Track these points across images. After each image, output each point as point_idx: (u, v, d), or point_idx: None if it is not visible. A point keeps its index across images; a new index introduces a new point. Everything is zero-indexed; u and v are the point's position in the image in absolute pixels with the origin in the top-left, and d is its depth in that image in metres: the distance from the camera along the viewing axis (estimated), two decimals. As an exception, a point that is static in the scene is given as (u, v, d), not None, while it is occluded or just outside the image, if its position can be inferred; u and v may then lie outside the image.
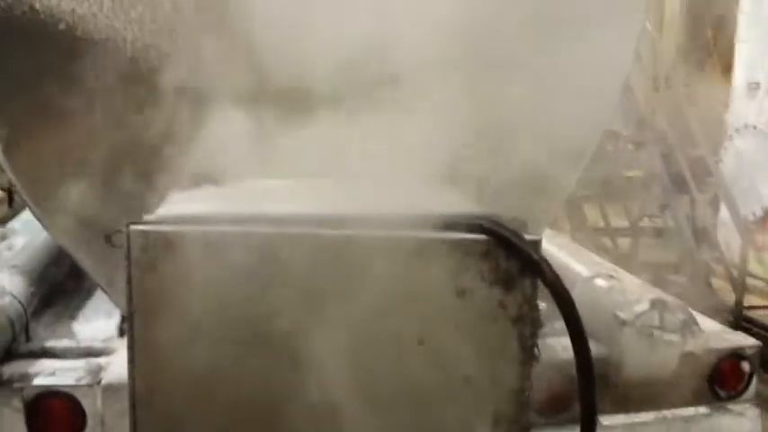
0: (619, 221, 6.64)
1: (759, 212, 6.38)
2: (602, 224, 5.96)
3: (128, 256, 1.40)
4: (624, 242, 6.64)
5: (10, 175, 1.92)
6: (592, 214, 6.30)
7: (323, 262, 1.45)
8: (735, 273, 5.81)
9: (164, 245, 1.42)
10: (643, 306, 1.90)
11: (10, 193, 9.03)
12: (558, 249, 2.45)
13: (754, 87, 6.73)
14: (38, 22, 1.74)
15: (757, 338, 5.28)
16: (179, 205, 1.56)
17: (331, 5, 1.81)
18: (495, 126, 1.99)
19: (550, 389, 1.86)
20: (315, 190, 1.68)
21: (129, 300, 1.43)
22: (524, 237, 1.44)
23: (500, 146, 2.00)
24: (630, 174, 6.87)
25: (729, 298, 5.78)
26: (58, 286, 2.22)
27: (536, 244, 1.46)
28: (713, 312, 5.05)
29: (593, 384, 1.46)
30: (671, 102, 7.25)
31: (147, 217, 1.45)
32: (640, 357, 1.87)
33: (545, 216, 2.15)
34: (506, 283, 1.46)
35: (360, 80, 1.82)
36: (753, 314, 5.74)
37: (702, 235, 6.30)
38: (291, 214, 1.47)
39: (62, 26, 1.75)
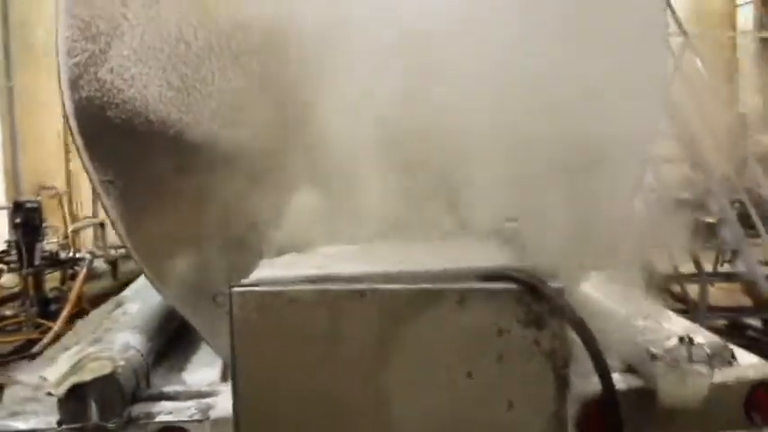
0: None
1: (837, 252, 6.29)
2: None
3: (230, 313, 1.77)
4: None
5: (131, 250, 2.35)
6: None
7: (384, 313, 1.77)
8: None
9: (257, 303, 1.78)
10: (672, 342, 2.12)
11: (114, 266, 9.84)
12: (605, 293, 2.71)
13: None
14: (153, 129, 2.20)
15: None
16: (268, 270, 1.92)
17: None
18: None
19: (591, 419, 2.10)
20: (376, 253, 2.02)
21: (233, 348, 1.79)
22: (550, 284, 1.73)
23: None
24: (708, 220, 6.93)
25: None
26: (170, 342, 2.62)
27: (560, 290, 1.74)
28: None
29: (616, 401, 1.72)
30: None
31: (244, 281, 1.82)
32: (671, 388, 2.08)
33: (590, 260, 2.41)
34: (538, 323, 1.74)
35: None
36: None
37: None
38: (357, 273, 1.81)
39: (172, 132, 2.20)
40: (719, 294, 6.84)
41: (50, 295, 8.98)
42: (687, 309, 5.64)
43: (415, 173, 2.23)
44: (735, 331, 6.21)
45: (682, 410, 2.11)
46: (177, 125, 2.19)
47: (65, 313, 7.50)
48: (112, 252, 9.94)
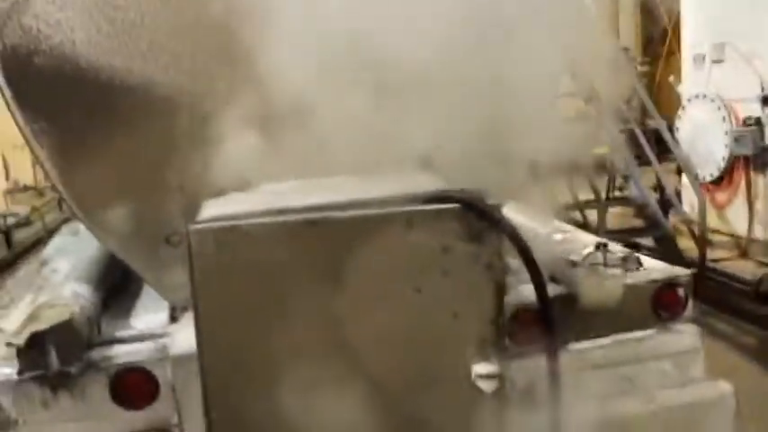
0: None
1: (716, 173, 6.88)
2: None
3: (189, 251, 1.83)
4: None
5: (67, 199, 2.34)
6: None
7: (336, 240, 1.88)
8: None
9: (214, 239, 1.85)
10: (589, 249, 2.36)
11: (7, 235, 9.43)
12: (523, 216, 2.93)
13: (699, 59, 7.24)
14: (83, 75, 2.17)
15: (720, 286, 5.81)
16: (218, 209, 1.98)
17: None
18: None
19: (522, 324, 2.32)
20: (321, 186, 2.12)
21: (193, 285, 1.86)
22: (487, 202, 1.89)
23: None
24: (599, 150, 7.39)
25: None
26: (113, 291, 2.63)
27: (496, 207, 1.91)
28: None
29: (549, 306, 1.92)
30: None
31: (199, 218, 1.87)
32: (591, 290, 2.33)
33: (509, 187, 2.60)
34: (478, 238, 1.91)
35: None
36: (717, 266, 6.28)
37: (666, 200, 6.82)
38: (307, 204, 1.90)
39: (104, 77, 2.18)
40: (614, 219, 7.38)
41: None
42: (588, 232, 6.06)
43: (348, 112, 2.32)
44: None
45: (599, 312, 2.36)
46: (108, 69, 2.17)
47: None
48: (3, 220, 9.52)
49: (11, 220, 9.49)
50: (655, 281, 2.51)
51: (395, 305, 1.92)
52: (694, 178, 6.56)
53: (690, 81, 7.41)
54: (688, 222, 6.46)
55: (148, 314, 2.49)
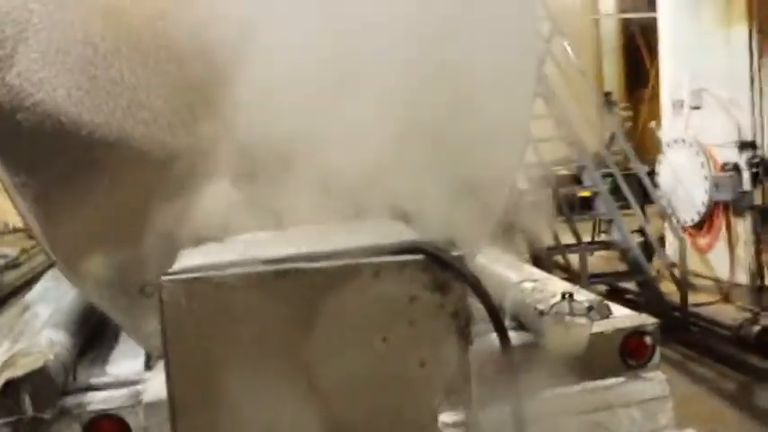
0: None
1: (696, 218, 7.00)
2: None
3: (160, 301, 1.88)
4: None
5: (47, 249, 2.40)
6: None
7: (306, 290, 1.94)
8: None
9: (185, 289, 1.90)
10: (556, 299, 2.43)
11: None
12: (498, 263, 3.00)
13: (678, 105, 7.41)
14: (65, 131, 2.25)
15: (702, 331, 5.86)
16: (191, 258, 2.04)
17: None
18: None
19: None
20: (293, 236, 2.19)
21: (164, 335, 1.91)
22: (452, 254, 1.96)
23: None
24: (583, 194, 7.51)
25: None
26: (90, 338, 2.68)
27: (461, 258, 1.98)
28: (662, 311, 5.64)
29: (509, 347, 1.98)
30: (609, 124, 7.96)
31: (171, 269, 1.93)
32: (556, 339, 2.39)
33: (482, 235, 2.68)
34: (443, 288, 1.97)
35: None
36: (699, 310, 6.34)
37: (649, 244, 6.91)
38: (277, 255, 1.97)
39: (84, 132, 2.26)
40: (600, 262, 7.46)
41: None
42: (570, 276, 6.13)
43: (317, 166, 2.40)
44: (614, 294, 6.82)
45: (566, 359, 2.42)
46: (89, 125, 2.25)
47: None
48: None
49: (0, 262, 9.49)
50: (622, 329, 2.57)
51: (363, 353, 1.97)
52: (674, 223, 6.66)
53: (669, 126, 7.59)
54: (670, 266, 6.54)
55: (126, 360, 2.53)
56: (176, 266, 1.98)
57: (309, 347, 1.94)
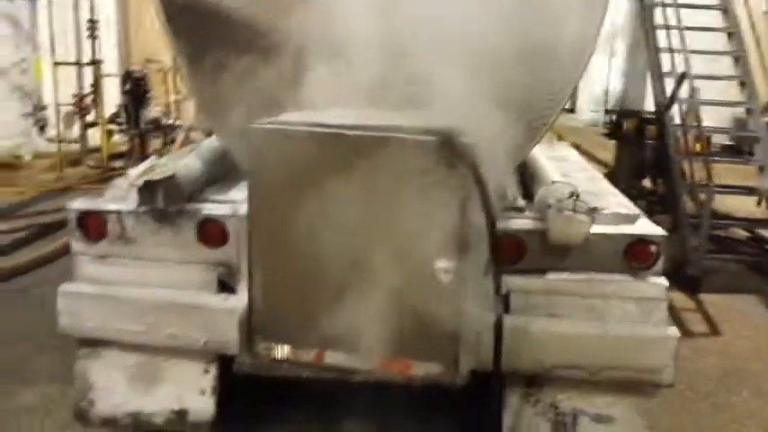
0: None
1: None
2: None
3: (249, 143, 2.67)
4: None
5: (198, 107, 3.28)
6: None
7: (350, 150, 2.61)
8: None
9: (264, 137, 2.66)
10: (563, 195, 2.89)
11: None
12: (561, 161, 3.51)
13: None
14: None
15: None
16: (283, 118, 2.79)
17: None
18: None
19: (507, 247, 2.93)
20: (355, 115, 2.83)
21: (250, 168, 2.70)
22: (461, 140, 2.51)
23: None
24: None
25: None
26: (226, 174, 3.60)
27: (468, 145, 2.53)
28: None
29: (494, 232, 2.54)
30: None
31: (258, 122, 2.69)
32: (557, 229, 2.87)
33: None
34: (449, 165, 2.54)
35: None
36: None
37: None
38: (336, 123, 2.64)
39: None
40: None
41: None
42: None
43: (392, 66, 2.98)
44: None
45: (568, 247, 2.91)
46: (229, 8, 3.03)
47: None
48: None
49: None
50: (629, 235, 2.99)
51: (386, 204, 2.63)
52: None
53: None
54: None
55: (240, 192, 3.40)
56: (264, 121, 2.75)
57: (347, 193, 2.64)
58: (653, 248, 2.98)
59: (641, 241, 2.98)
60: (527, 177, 3.56)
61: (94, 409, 3.28)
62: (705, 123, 6.74)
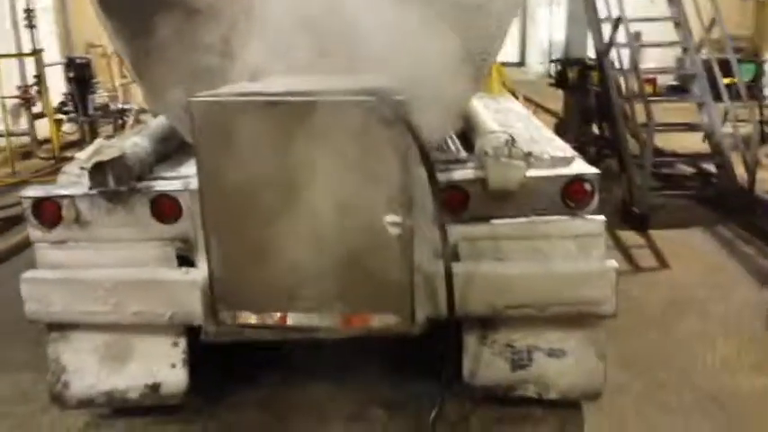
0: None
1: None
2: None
3: (190, 116, 2.74)
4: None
5: (139, 83, 3.32)
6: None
7: (290, 117, 2.69)
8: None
9: (204, 109, 2.72)
10: (500, 143, 3.03)
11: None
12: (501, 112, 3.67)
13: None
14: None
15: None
16: (223, 90, 2.85)
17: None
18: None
19: (451, 198, 3.07)
20: (294, 82, 2.91)
21: (193, 140, 2.77)
22: (395, 98, 2.61)
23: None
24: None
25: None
26: (174, 151, 3.66)
27: (402, 102, 2.63)
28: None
29: (436, 184, 2.69)
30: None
31: (197, 94, 2.75)
32: (494, 175, 3.01)
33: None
34: (389, 125, 2.64)
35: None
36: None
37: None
38: (273, 91, 2.72)
39: None
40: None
41: (103, 142, 10.22)
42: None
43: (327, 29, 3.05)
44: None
45: (507, 192, 3.06)
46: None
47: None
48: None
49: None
50: (564, 175, 3.14)
51: (330, 166, 2.73)
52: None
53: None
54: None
55: (191, 167, 3.47)
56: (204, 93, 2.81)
57: (288, 159, 2.73)
58: (588, 187, 3.14)
59: (577, 180, 3.14)
60: (469, 129, 3.69)
61: (69, 391, 3.37)
62: (649, 65, 6.95)
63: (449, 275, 2.86)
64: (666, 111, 7.33)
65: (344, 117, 2.66)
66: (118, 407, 3.46)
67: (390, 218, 2.73)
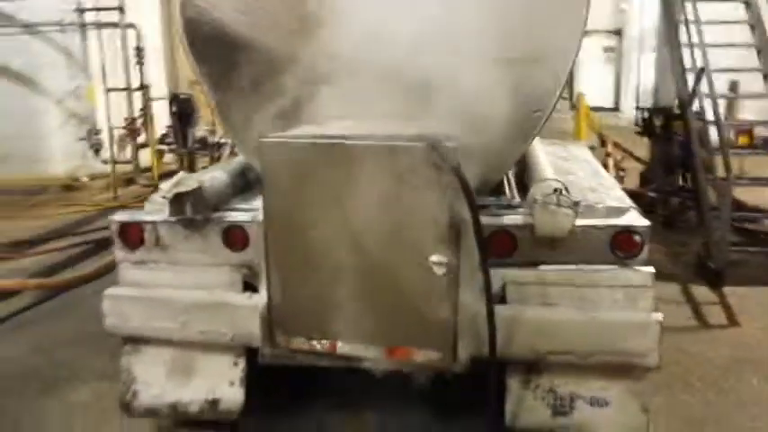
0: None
1: None
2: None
3: (260, 155, 3.01)
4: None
5: (221, 121, 3.65)
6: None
7: (347, 157, 2.91)
8: None
9: (272, 148, 3.00)
10: (550, 191, 3.13)
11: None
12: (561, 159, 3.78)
13: None
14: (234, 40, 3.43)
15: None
16: (291, 132, 3.12)
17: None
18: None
19: (499, 241, 3.20)
20: (356, 126, 3.14)
21: (262, 177, 3.04)
22: (445, 144, 2.79)
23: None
24: None
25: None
26: (249, 184, 3.97)
27: (453, 149, 2.81)
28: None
29: (479, 227, 2.82)
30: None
31: (267, 136, 3.02)
32: (541, 222, 3.11)
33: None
34: (437, 168, 2.82)
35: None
36: None
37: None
38: (334, 134, 2.96)
39: (243, 42, 3.41)
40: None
41: (199, 172, 10.87)
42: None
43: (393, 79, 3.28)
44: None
45: (555, 239, 3.15)
46: (246, 37, 3.39)
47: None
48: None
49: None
50: (614, 225, 3.20)
51: (383, 206, 2.92)
52: None
53: None
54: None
55: (260, 201, 3.74)
56: (273, 135, 3.08)
57: (344, 198, 2.94)
58: (637, 238, 3.19)
59: (626, 231, 3.20)
60: (526, 176, 3.81)
61: (137, 400, 3.66)
62: (746, 116, 6.80)
63: (491, 316, 2.98)
64: (760, 164, 7.16)
65: (397, 160, 2.86)
66: (180, 418, 3.72)
67: (436, 257, 2.89)
